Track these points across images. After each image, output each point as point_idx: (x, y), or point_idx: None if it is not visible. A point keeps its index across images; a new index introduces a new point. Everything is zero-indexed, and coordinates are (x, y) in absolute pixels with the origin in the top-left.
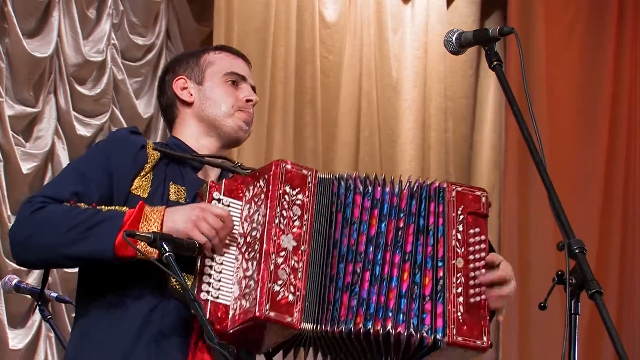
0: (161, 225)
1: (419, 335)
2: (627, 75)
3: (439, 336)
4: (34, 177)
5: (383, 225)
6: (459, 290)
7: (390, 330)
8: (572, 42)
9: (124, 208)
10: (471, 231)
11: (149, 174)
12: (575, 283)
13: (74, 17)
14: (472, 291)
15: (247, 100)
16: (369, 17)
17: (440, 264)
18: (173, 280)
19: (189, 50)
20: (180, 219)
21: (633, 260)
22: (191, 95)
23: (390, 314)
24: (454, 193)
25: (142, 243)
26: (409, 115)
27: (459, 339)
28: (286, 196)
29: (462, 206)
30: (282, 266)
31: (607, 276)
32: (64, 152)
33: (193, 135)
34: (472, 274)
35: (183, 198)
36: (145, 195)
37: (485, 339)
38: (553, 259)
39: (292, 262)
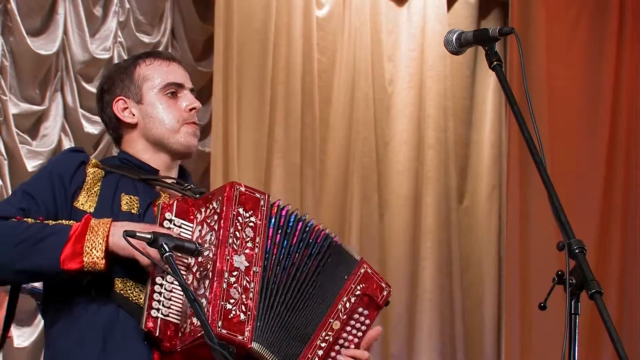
0: (107, 237)
1: None
2: (628, 76)
3: None
4: None
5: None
6: (323, 344)
7: None
8: (573, 42)
9: (71, 222)
10: (360, 309)
11: (95, 189)
12: (575, 283)
13: (80, 15)
14: (332, 353)
15: (191, 109)
16: (363, 19)
17: (324, 313)
18: (118, 285)
19: (120, 63)
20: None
21: (634, 260)
22: (133, 116)
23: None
24: (362, 270)
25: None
26: (404, 115)
27: None
28: (239, 217)
29: (364, 285)
30: (234, 285)
31: (607, 276)
32: None
33: (144, 152)
34: (340, 340)
35: (136, 208)
36: (92, 210)
37: None
38: (554, 259)
39: (244, 282)
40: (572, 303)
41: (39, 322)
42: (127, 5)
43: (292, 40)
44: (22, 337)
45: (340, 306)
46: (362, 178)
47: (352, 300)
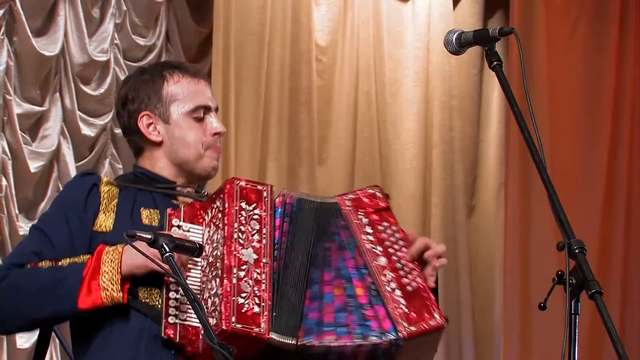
0: (120, 263)
1: (369, 341)
2: (630, 75)
3: (392, 336)
4: (40, 176)
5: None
6: (393, 285)
7: (331, 344)
8: (574, 42)
9: (84, 257)
10: (380, 227)
11: (112, 205)
12: (575, 283)
13: (79, 16)
14: (405, 280)
15: (214, 134)
16: (366, 17)
17: (365, 271)
18: (142, 295)
19: (146, 74)
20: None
21: (638, 260)
22: (159, 133)
23: (329, 328)
24: (348, 203)
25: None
26: (409, 114)
27: (413, 328)
28: (242, 212)
29: (361, 210)
30: (244, 279)
31: (610, 277)
32: (69, 152)
33: (163, 170)
34: (398, 264)
35: (156, 221)
36: (111, 227)
37: (437, 316)
38: (554, 259)
39: (255, 274)
40: (572, 303)
41: None
42: (124, 7)
43: (286, 41)
44: (23, 338)
45: (368, 246)
46: (366, 177)
47: (370, 230)
